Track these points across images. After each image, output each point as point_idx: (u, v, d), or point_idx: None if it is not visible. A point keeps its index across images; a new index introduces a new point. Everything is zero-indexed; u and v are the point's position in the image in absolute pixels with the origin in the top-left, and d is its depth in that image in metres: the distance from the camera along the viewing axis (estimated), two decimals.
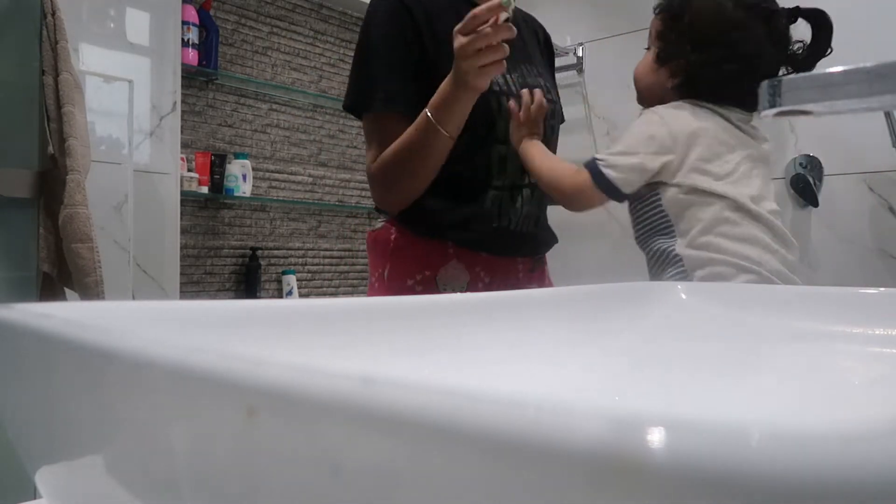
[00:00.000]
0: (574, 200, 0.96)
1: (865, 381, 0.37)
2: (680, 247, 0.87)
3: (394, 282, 0.96)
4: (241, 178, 2.21)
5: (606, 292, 0.49)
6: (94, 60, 1.69)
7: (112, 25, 1.76)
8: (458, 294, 0.40)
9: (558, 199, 0.98)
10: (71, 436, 0.16)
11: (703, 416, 0.08)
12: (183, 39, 1.98)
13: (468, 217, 0.95)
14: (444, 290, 0.94)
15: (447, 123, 0.87)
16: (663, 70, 0.95)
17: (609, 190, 0.91)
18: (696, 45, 0.91)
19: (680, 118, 0.89)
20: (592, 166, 0.91)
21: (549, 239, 1.05)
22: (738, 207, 0.85)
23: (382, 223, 1.01)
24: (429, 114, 0.87)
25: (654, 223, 0.91)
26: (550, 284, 1.07)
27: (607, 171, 0.89)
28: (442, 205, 0.95)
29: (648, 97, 0.99)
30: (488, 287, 0.98)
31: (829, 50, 0.89)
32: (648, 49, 1.00)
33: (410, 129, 0.90)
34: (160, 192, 1.87)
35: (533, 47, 1.09)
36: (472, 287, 0.97)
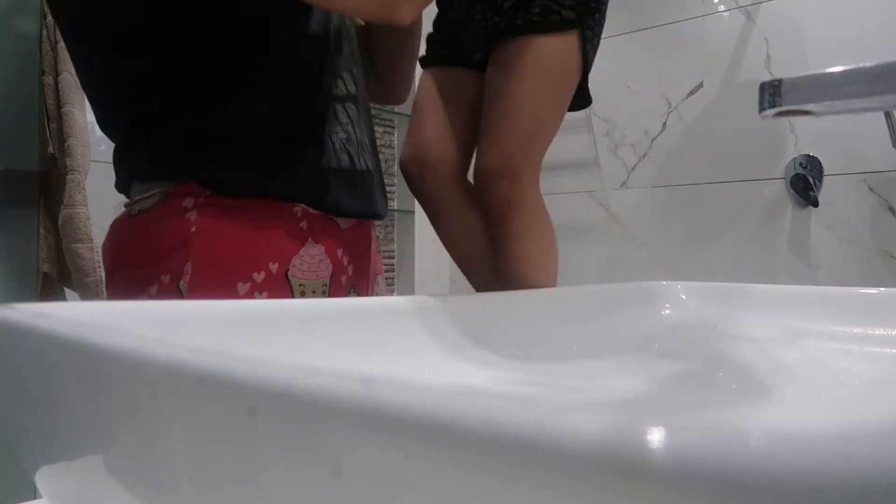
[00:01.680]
0: None
1: (865, 381, 0.37)
2: None
3: (203, 289, 0.54)
4: None
5: (607, 292, 0.49)
6: None
7: None
8: (460, 294, 0.40)
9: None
10: (71, 436, 0.16)
11: (702, 416, 0.08)
12: None
13: (301, 155, 0.59)
14: (301, 293, 0.59)
15: None
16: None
17: None
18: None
19: None
20: None
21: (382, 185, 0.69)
22: None
23: (157, 194, 0.57)
24: None
25: None
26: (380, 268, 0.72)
27: None
28: (271, 147, 0.58)
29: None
30: (353, 281, 0.64)
31: None
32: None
33: None
34: None
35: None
36: (335, 289, 0.61)
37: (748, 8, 1.81)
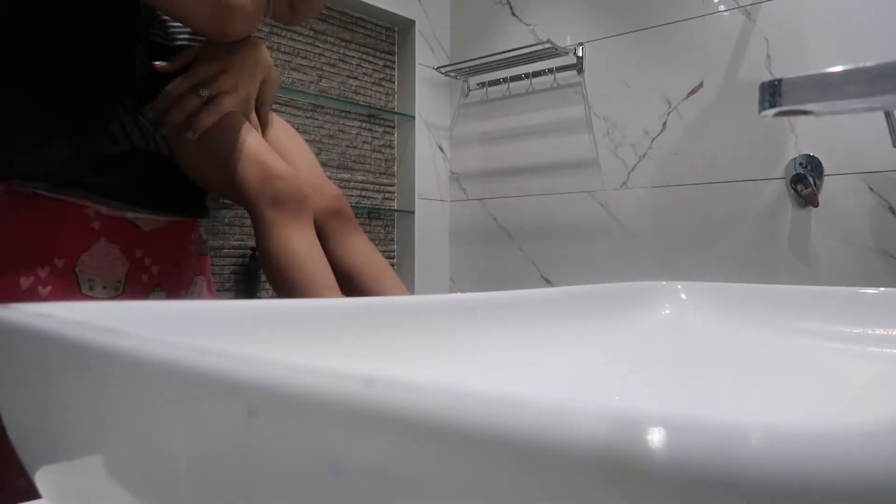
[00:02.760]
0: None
1: (865, 381, 0.37)
2: None
3: None
4: None
5: (607, 292, 0.49)
6: None
7: None
8: (459, 294, 0.41)
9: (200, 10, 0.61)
10: (71, 436, 0.16)
11: (703, 415, 0.08)
12: None
13: (99, 140, 0.61)
14: (90, 292, 0.61)
15: None
16: None
17: None
18: None
19: None
20: None
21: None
22: None
23: None
24: None
25: None
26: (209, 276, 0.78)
27: None
28: (61, 136, 0.59)
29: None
30: (158, 280, 0.67)
31: None
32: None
33: None
34: None
35: None
36: (132, 285, 0.64)
37: (748, 8, 1.81)
